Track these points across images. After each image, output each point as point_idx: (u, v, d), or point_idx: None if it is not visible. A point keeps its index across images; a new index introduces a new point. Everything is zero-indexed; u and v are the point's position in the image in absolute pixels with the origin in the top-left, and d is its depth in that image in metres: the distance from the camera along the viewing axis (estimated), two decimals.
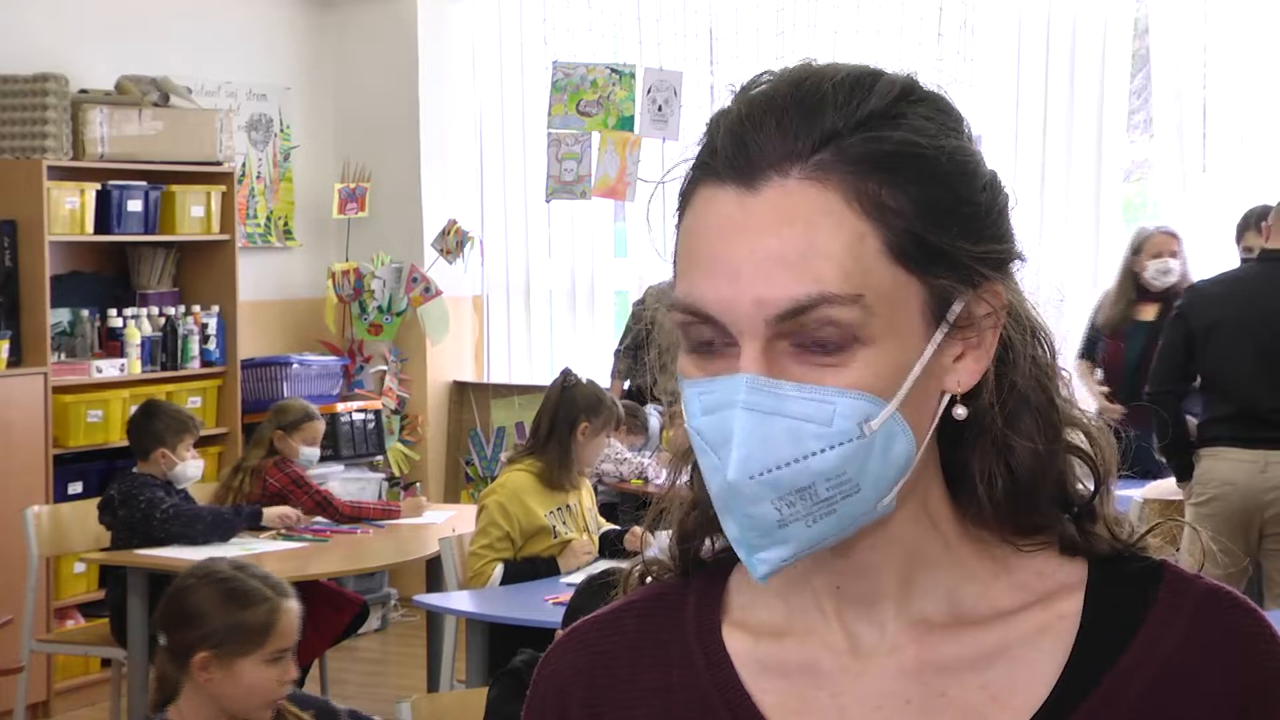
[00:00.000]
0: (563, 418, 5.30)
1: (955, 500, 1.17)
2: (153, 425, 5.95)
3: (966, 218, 1.09)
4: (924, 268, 1.08)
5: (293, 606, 3.23)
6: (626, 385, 7.51)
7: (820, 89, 1.08)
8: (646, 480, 6.75)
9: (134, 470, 6.02)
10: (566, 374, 5.50)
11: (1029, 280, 1.16)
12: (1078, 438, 1.18)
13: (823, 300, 1.05)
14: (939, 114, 1.11)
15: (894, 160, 1.07)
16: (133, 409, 6.35)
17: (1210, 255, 6.70)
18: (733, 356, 1.07)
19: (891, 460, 1.08)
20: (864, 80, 1.09)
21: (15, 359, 6.71)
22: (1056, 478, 1.17)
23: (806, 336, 1.06)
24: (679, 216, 1.14)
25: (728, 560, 1.22)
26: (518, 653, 3.90)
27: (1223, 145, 7.19)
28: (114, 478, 6.98)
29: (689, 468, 1.21)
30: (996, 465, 1.15)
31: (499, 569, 5.10)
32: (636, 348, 7.35)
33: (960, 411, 1.12)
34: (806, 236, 1.05)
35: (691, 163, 1.13)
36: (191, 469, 5.96)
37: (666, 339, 1.18)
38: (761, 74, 1.13)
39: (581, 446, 5.30)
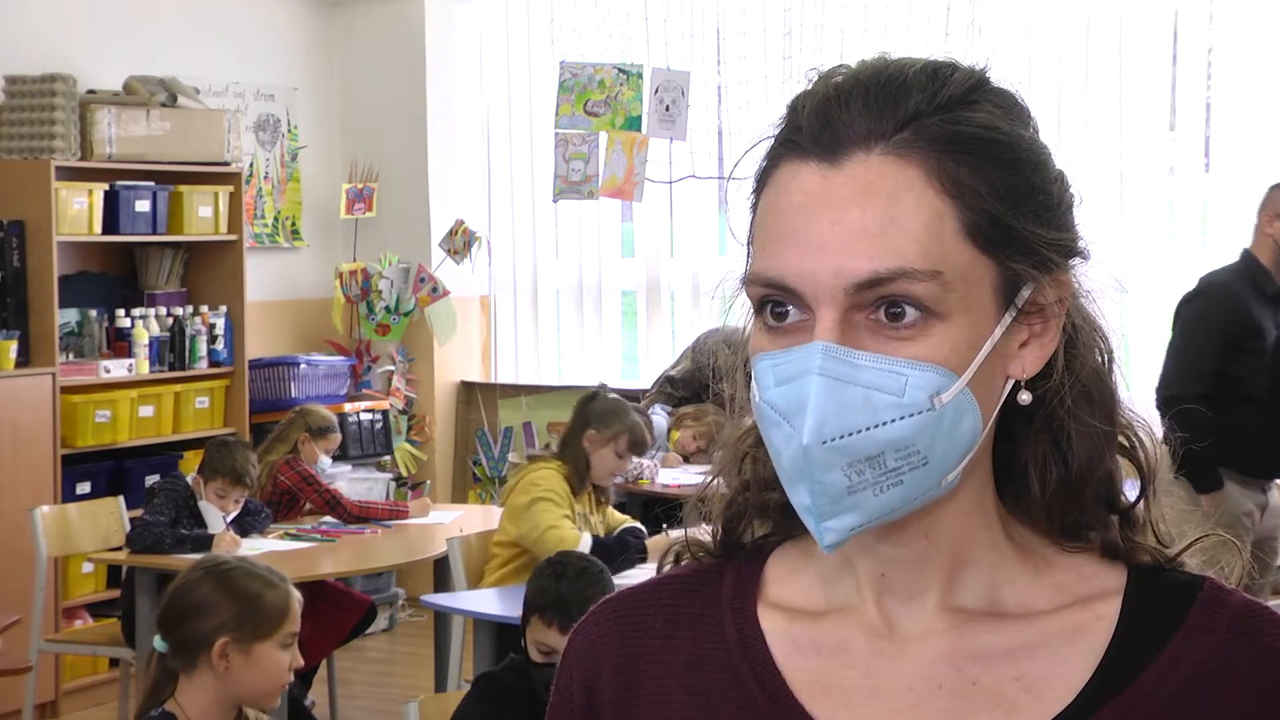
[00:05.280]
0: (576, 426, 5.43)
1: (1003, 499, 1.18)
2: (211, 456, 5.92)
3: (1039, 205, 1.12)
4: (998, 249, 1.10)
5: (296, 594, 3.30)
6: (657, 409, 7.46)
7: (902, 74, 1.11)
8: (651, 480, 6.75)
9: (183, 476, 6.07)
10: (601, 387, 5.64)
11: (1089, 279, 1.18)
12: (1125, 439, 1.20)
13: (902, 274, 1.07)
14: (1012, 107, 1.14)
15: (973, 142, 1.10)
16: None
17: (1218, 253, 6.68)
18: (808, 330, 1.09)
19: (959, 436, 1.10)
20: (943, 69, 1.13)
21: (23, 359, 6.72)
22: (1107, 475, 1.19)
23: (882, 309, 1.08)
24: (756, 196, 1.15)
25: (767, 545, 1.24)
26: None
27: (1226, 144, 7.19)
28: (124, 478, 7.03)
29: (742, 452, 1.23)
30: (1053, 456, 1.17)
31: (587, 538, 5.10)
32: (680, 393, 7.43)
33: (1025, 397, 1.14)
34: (888, 211, 1.08)
35: (769, 144, 1.15)
36: (213, 515, 5.89)
37: (731, 386, 1.21)
38: (839, 65, 1.15)
39: (589, 453, 5.36)
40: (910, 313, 1.08)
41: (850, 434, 1.07)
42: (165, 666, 3.16)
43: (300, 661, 3.28)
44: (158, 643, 3.17)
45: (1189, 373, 5.39)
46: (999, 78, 1.15)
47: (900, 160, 1.09)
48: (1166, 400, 5.34)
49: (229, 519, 5.89)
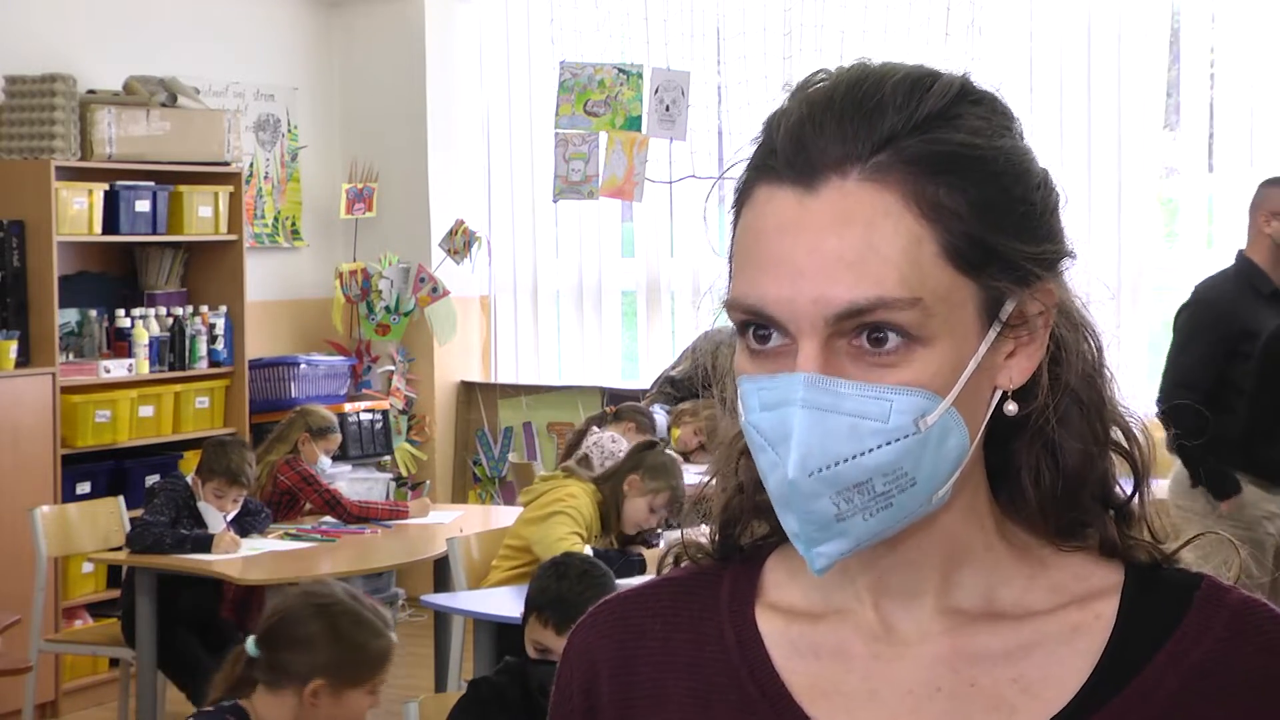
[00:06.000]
0: (624, 467, 5.45)
1: (998, 500, 1.18)
2: (208, 455, 5.94)
3: (1021, 218, 1.11)
4: (979, 269, 1.09)
5: (394, 639, 3.34)
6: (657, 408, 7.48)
7: (879, 90, 1.09)
8: None
9: (183, 476, 6.08)
10: (661, 441, 5.70)
11: (1078, 279, 1.17)
12: (1118, 436, 1.20)
13: (881, 304, 1.06)
14: (994, 114, 1.12)
15: (952, 162, 1.08)
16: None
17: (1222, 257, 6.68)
18: (791, 354, 1.08)
19: (946, 454, 1.09)
20: (922, 81, 1.10)
21: (24, 359, 6.72)
22: (1101, 475, 1.18)
23: (865, 335, 1.07)
24: (735, 215, 1.14)
25: (765, 546, 1.24)
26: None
27: (1229, 144, 7.19)
28: (124, 478, 7.03)
29: (736, 455, 1.22)
30: (1045, 461, 1.16)
31: (588, 551, 5.13)
32: (680, 394, 7.45)
33: (1012, 408, 1.13)
34: (865, 238, 1.06)
35: (748, 161, 1.13)
36: (212, 515, 5.90)
37: (728, 389, 1.19)
38: (817, 73, 1.13)
39: (625, 496, 5.39)
40: (892, 338, 1.07)
41: (836, 463, 1.07)
42: (250, 671, 3.21)
43: (379, 701, 3.33)
44: (250, 647, 3.21)
45: (1180, 382, 5.40)
46: (981, 81, 1.13)
47: (877, 185, 1.07)
48: (1162, 412, 5.33)
49: (228, 518, 5.90)
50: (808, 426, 1.06)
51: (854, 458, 1.07)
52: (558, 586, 3.84)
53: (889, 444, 1.07)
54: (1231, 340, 5.41)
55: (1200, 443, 5.24)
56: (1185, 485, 5.43)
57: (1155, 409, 5.41)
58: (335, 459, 7.24)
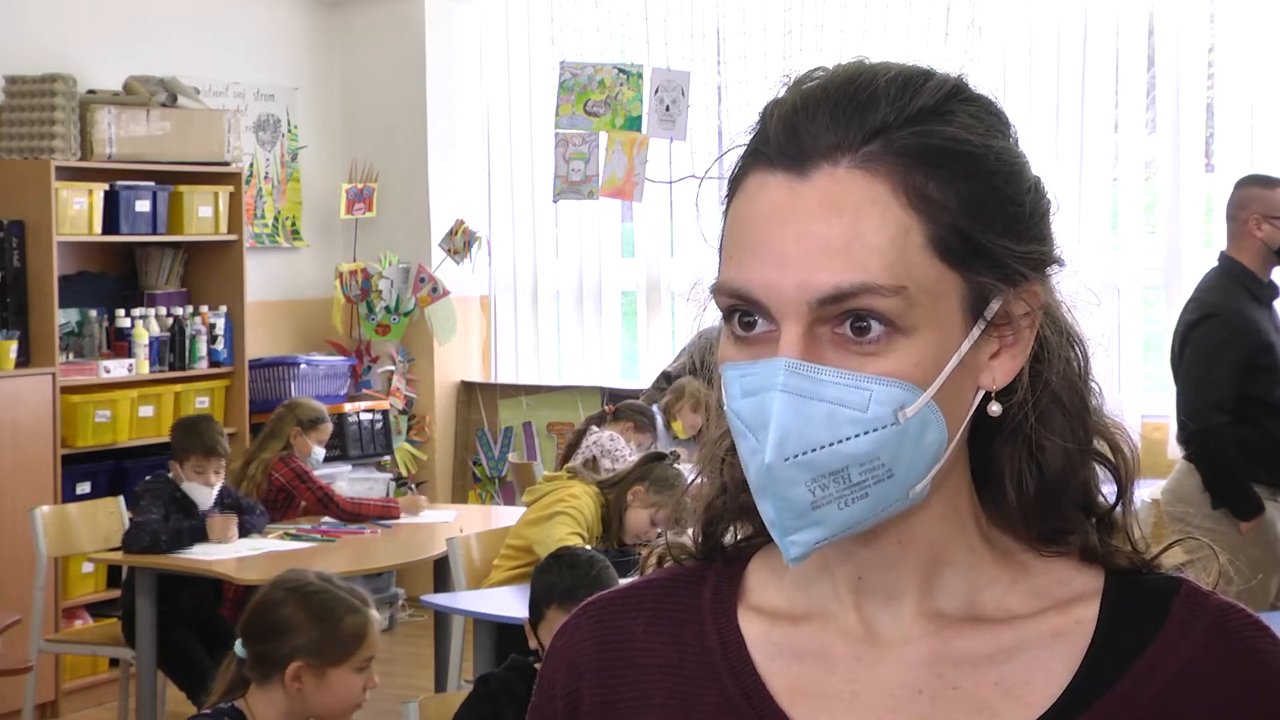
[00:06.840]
0: (631, 476, 5.45)
1: (982, 503, 1.18)
2: (179, 436, 5.99)
3: (1010, 217, 1.11)
4: (965, 264, 1.09)
5: (377, 617, 3.32)
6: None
7: (873, 84, 1.10)
8: None
9: (162, 472, 6.09)
10: (673, 454, 5.68)
11: (1066, 285, 1.17)
12: (1102, 446, 1.19)
13: (865, 289, 1.06)
14: (987, 115, 1.13)
15: (942, 156, 1.09)
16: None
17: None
18: (775, 341, 1.09)
19: (924, 448, 1.09)
20: (916, 78, 1.11)
21: (24, 359, 6.72)
22: (1083, 482, 1.18)
23: (848, 323, 1.07)
24: (727, 202, 1.15)
25: (748, 547, 1.24)
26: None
27: (1229, 144, 7.19)
28: (124, 478, 7.03)
29: (720, 454, 1.22)
30: (1027, 465, 1.16)
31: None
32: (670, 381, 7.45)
33: (995, 408, 1.13)
34: (853, 225, 1.07)
35: (742, 150, 1.14)
36: (199, 492, 5.93)
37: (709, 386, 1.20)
38: (815, 69, 1.14)
39: (628, 505, 5.38)
40: (875, 327, 1.07)
41: (813, 450, 1.07)
42: (242, 671, 3.22)
43: (377, 682, 3.30)
44: (238, 648, 3.22)
45: (1212, 403, 5.21)
46: (976, 84, 1.14)
47: (867, 174, 1.08)
48: (1191, 435, 5.23)
49: (214, 493, 5.92)
50: (786, 411, 1.07)
51: (831, 445, 1.07)
52: (572, 574, 3.84)
53: (866, 433, 1.07)
54: (1253, 354, 5.26)
55: (1227, 461, 5.20)
56: (1205, 505, 5.25)
57: (1178, 433, 5.35)
58: (336, 459, 7.25)
